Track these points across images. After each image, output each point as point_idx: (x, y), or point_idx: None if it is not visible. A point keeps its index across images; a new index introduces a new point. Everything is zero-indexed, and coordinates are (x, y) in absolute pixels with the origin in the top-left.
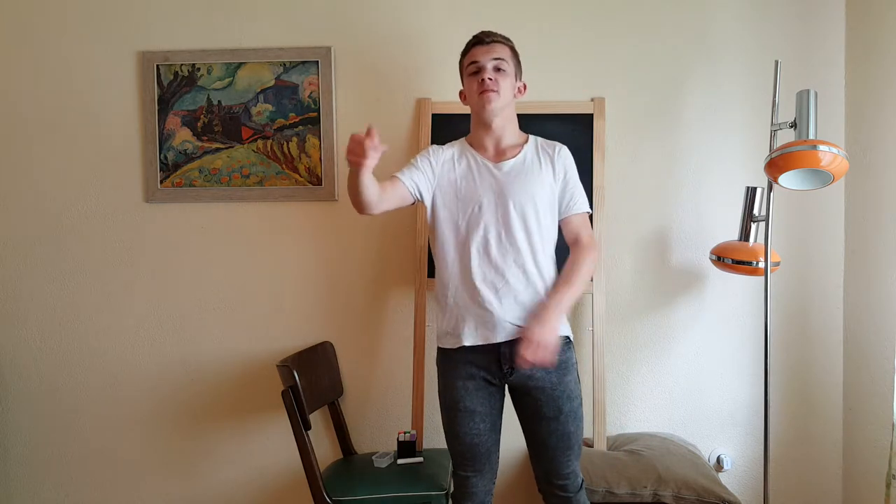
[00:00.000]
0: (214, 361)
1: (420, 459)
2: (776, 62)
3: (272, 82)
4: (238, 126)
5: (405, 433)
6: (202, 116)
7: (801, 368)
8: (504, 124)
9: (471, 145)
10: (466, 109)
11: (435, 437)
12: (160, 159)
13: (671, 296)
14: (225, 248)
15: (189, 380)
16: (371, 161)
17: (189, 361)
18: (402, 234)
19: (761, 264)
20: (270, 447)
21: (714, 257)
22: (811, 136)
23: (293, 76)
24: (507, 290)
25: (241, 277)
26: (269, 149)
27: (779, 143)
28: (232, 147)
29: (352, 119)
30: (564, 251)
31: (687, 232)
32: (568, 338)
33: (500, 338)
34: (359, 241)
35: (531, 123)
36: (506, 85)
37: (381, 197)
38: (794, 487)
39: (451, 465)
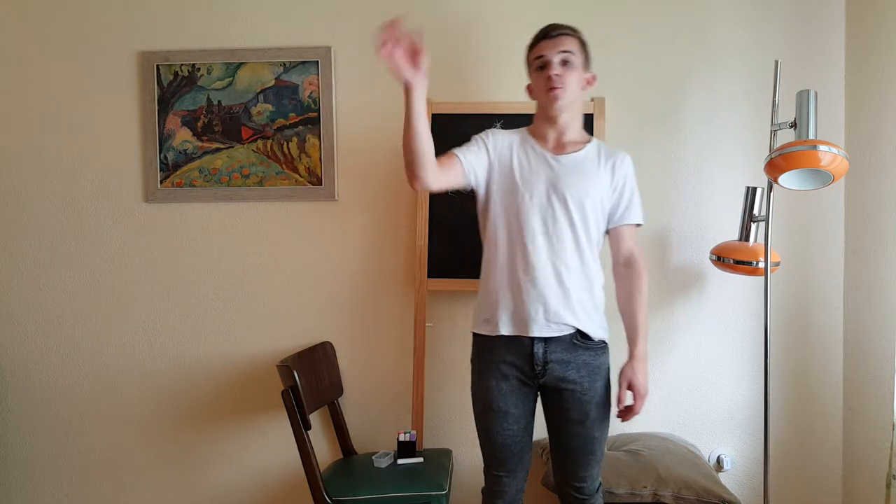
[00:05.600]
0: (214, 361)
1: (420, 459)
2: (776, 62)
3: (272, 82)
4: (238, 126)
5: (405, 433)
6: (202, 116)
7: (801, 368)
8: (570, 120)
9: (532, 135)
10: (466, 110)
11: (435, 437)
12: (160, 159)
13: (671, 296)
14: (225, 249)
15: (189, 380)
16: (421, 79)
17: (189, 361)
18: (402, 233)
19: (761, 264)
20: (270, 447)
21: (714, 257)
22: (811, 136)
23: (293, 76)
24: (548, 284)
25: (240, 277)
26: (269, 149)
27: (779, 143)
28: (232, 147)
29: (352, 119)
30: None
31: (687, 232)
32: (604, 342)
33: (535, 332)
34: (359, 241)
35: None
36: (572, 80)
37: (435, 165)
38: (794, 487)
39: (451, 465)
